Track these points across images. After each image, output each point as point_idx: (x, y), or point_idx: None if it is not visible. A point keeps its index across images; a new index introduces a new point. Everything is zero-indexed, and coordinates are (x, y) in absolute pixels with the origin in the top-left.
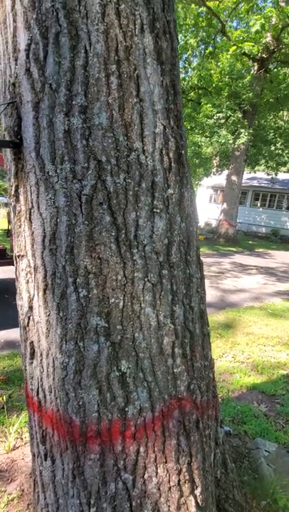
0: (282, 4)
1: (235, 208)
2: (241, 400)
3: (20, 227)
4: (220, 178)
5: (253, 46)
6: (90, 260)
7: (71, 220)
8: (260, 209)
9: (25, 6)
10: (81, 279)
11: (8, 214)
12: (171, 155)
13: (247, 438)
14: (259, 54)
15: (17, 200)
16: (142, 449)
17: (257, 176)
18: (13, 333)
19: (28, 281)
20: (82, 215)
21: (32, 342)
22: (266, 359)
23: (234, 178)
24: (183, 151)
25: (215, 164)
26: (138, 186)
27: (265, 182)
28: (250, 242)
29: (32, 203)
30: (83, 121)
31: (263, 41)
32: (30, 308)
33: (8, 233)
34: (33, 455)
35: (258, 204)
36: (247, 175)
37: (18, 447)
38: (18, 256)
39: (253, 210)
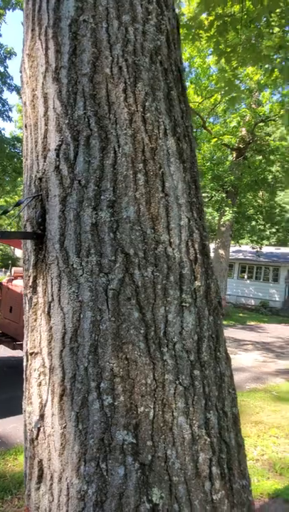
0: (254, 106)
1: (224, 281)
2: None
3: (35, 320)
4: None
5: (232, 138)
6: (117, 361)
7: (96, 316)
8: (248, 281)
9: (58, 112)
10: (106, 384)
11: None
12: (196, 246)
13: None
14: (237, 145)
15: (34, 291)
16: None
17: (242, 249)
18: None
19: (40, 384)
20: (108, 310)
21: (41, 461)
22: (282, 455)
23: (221, 251)
24: (206, 242)
25: None
26: (166, 279)
27: (250, 255)
28: (240, 314)
29: (52, 295)
30: (111, 214)
31: (240, 134)
32: (42, 416)
33: None
34: None
35: (245, 276)
36: (232, 248)
37: None
38: (31, 353)
39: (240, 282)
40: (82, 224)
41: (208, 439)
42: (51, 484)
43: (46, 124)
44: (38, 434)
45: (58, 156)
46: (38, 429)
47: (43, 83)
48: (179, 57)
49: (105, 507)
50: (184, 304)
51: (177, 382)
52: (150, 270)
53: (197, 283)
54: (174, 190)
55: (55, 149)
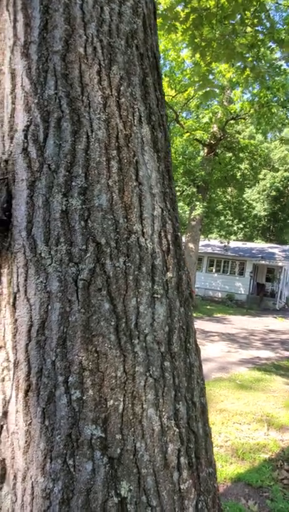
0: (225, 103)
1: (194, 274)
2: (228, 497)
3: None
4: None
5: (203, 134)
6: (86, 354)
7: (65, 307)
8: (215, 274)
9: (26, 91)
10: (74, 378)
11: None
12: (169, 237)
13: None
14: (208, 141)
15: None
16: None
17: (210, 243)
18: None
19: (3, 379)
20: (78, 301)
21: (3, 460)
22: (245, 441)
23: (191, 245)
24: (179, 233)
25: None
26: (138, 270)
27: (218, 249)
28: (208, 307)
29: (18, 286)
30: (82, 202)
31: (211, 131)
32: (5, 414)
33: None
34: None
35: (213, 270)
36: (201, 242)
37: None
38: None
39: (208, 275)
40: (52, 211)
41: (177, 430)
42: (14, 484)
43: (13, 103)
44: (0, 432)
45: (26, 137)
46: (1, 427)
47: (10, 58)
48: (155, 43)
49: (72, 504)
50: (155, 295)
51: (148, 374)
52: (122, 260)
53: (169, 274)
54: (148, 180)
55: (23, 130)
